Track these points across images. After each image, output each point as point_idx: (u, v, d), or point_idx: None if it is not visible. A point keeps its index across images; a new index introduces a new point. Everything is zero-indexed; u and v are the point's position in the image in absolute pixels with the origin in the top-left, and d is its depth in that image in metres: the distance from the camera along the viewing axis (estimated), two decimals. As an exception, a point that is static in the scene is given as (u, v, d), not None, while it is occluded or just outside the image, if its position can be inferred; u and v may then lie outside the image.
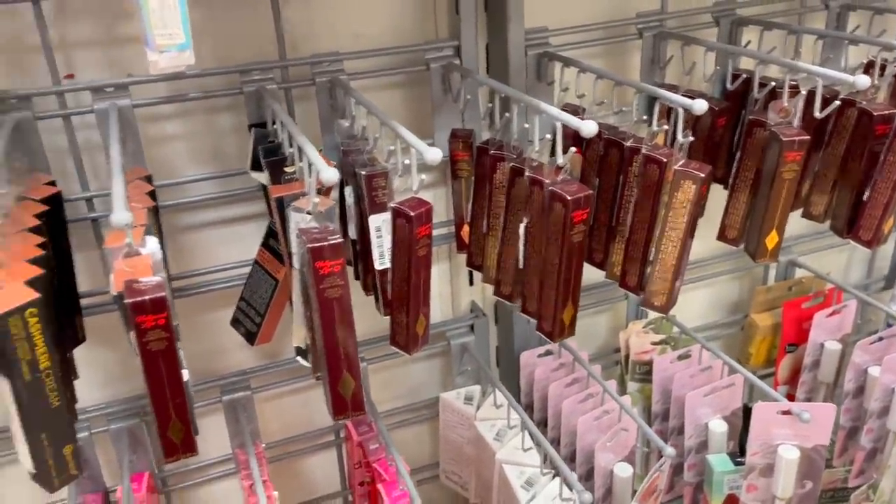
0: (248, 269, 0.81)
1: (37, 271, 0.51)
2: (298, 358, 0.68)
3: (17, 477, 0.84)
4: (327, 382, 0.57)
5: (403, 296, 0.63)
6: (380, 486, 0.81)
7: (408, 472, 0.77)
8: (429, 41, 0.81)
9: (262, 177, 0.71)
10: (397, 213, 0.60)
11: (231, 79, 0.75)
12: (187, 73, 0.72)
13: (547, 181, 0.62)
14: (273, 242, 0.76)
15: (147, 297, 0.49)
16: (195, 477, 0.92)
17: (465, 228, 0.81)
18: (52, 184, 0.68)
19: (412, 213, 0.59)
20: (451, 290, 0.98)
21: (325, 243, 0.53)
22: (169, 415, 0.54)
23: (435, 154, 0.53)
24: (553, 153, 0.62)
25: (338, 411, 0.58)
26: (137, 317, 0.50)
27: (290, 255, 0.63)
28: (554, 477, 0.79)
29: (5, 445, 0.80)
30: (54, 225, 0.64)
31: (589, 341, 1.09)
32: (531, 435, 0.82)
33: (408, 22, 0.82)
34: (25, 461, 0.54)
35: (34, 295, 0.49)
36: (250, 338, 0.80)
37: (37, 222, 0.58)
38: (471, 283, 0.98)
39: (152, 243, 0.52)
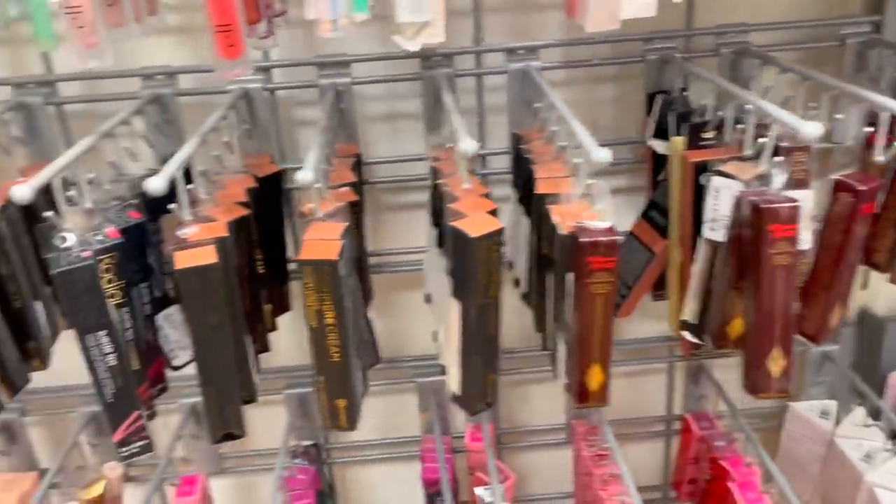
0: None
1: (492, 205, 0.54)
2: (684, 332, 0.66)
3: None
4: (755, 356, 0.54)
5: (825, 279, 0.58)
6: (731, 486, 0.76)
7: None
8: (843, 15, 0.74)
9: (662, 145, 0.70)
10: (840, 187, 0.55)
11: (618, 48, 0.75)
12: (595, 39, 0.74)
13: None
14: (655, 214, 0.74)
15: (602, 239, 0.50)
16: (525, 440, 0.94)
17: (862, 222, 0.73)
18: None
19: (861, 188, 0.54)
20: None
21: (782, 205, 0.50)
22: (589, 359, 0.54)
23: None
24: None
25: (759, 389, 0.55)
26: (587, 257, 0.50)
27: (687, 224, 0.61)
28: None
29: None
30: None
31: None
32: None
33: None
34: (453, 383, 0.58)
35: (499, 225, 0.51)
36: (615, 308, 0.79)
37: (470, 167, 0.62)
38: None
39: (600, 188, 0.53)
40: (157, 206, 0.61)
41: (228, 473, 0.91)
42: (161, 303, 0.64)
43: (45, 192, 0.51)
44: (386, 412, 0.93)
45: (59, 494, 0.79)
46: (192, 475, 0.81)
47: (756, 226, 0.51)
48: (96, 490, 0.80)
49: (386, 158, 0.79)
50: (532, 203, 0.60)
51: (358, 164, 0.71)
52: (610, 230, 0.51)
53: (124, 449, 0.57)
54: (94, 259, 0.51)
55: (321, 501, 0.83)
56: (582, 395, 0.55)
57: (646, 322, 0.88)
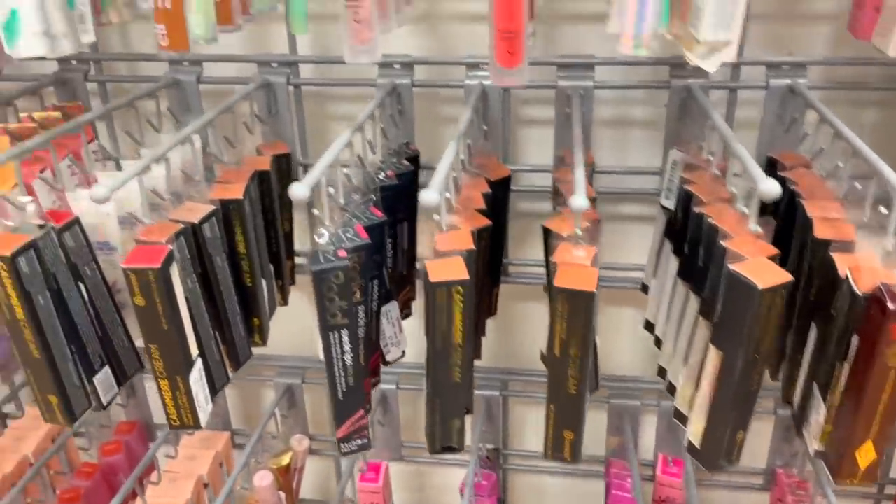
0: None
1: (774, 250, 0.49)
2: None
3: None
4: None
5: None
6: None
7: None
8: None
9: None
10: None
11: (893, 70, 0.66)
12: (875, 61, 0.65)
13: None
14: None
15: (913, 307, 0.43)
16: (712, 479, 0.88)
17: None
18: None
19: None
20: None
21: None
22: (865, 435, 0.48)
23: None
24: None
25: None
26: (892, 324, 0.44)
27: None
28: None
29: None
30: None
31: None
32: None
33: None
34: (693, 434, 0.54)
35: (787, 277, 0.46)
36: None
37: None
38: None
39: None
40: (393, 203, 0.61)
41: (403, 460, 0.91)
42: (386, 297, 0.63)
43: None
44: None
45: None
46: (377, 462, 0.82)
47: None
48: (285, 460, 0.82)
49: (615, 168, 0.74)
50: (804, 244, 0.54)
51: (591, 174, 0.68)
52: (922, 297, 0.44)
53: (345, 445, 0.57)
54: (349, 259, 0.50)
55: (498, 508, 0.81)
56: (847, 471, 0.49)
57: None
